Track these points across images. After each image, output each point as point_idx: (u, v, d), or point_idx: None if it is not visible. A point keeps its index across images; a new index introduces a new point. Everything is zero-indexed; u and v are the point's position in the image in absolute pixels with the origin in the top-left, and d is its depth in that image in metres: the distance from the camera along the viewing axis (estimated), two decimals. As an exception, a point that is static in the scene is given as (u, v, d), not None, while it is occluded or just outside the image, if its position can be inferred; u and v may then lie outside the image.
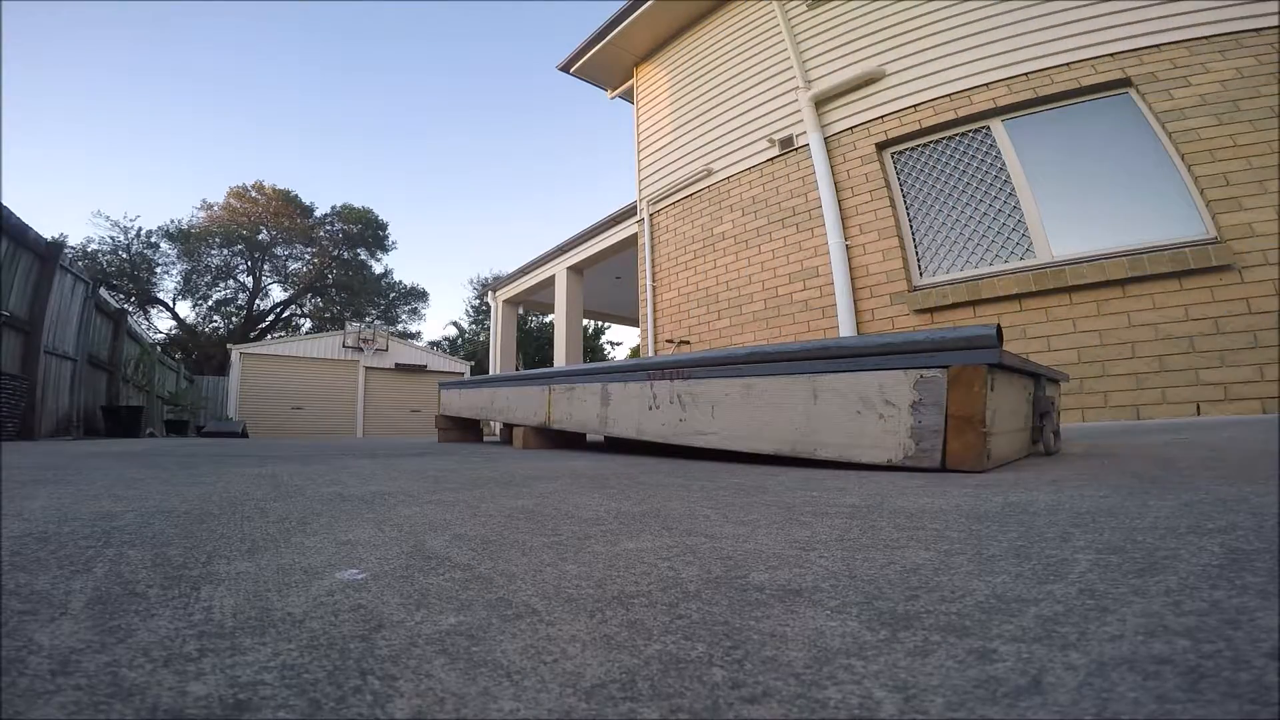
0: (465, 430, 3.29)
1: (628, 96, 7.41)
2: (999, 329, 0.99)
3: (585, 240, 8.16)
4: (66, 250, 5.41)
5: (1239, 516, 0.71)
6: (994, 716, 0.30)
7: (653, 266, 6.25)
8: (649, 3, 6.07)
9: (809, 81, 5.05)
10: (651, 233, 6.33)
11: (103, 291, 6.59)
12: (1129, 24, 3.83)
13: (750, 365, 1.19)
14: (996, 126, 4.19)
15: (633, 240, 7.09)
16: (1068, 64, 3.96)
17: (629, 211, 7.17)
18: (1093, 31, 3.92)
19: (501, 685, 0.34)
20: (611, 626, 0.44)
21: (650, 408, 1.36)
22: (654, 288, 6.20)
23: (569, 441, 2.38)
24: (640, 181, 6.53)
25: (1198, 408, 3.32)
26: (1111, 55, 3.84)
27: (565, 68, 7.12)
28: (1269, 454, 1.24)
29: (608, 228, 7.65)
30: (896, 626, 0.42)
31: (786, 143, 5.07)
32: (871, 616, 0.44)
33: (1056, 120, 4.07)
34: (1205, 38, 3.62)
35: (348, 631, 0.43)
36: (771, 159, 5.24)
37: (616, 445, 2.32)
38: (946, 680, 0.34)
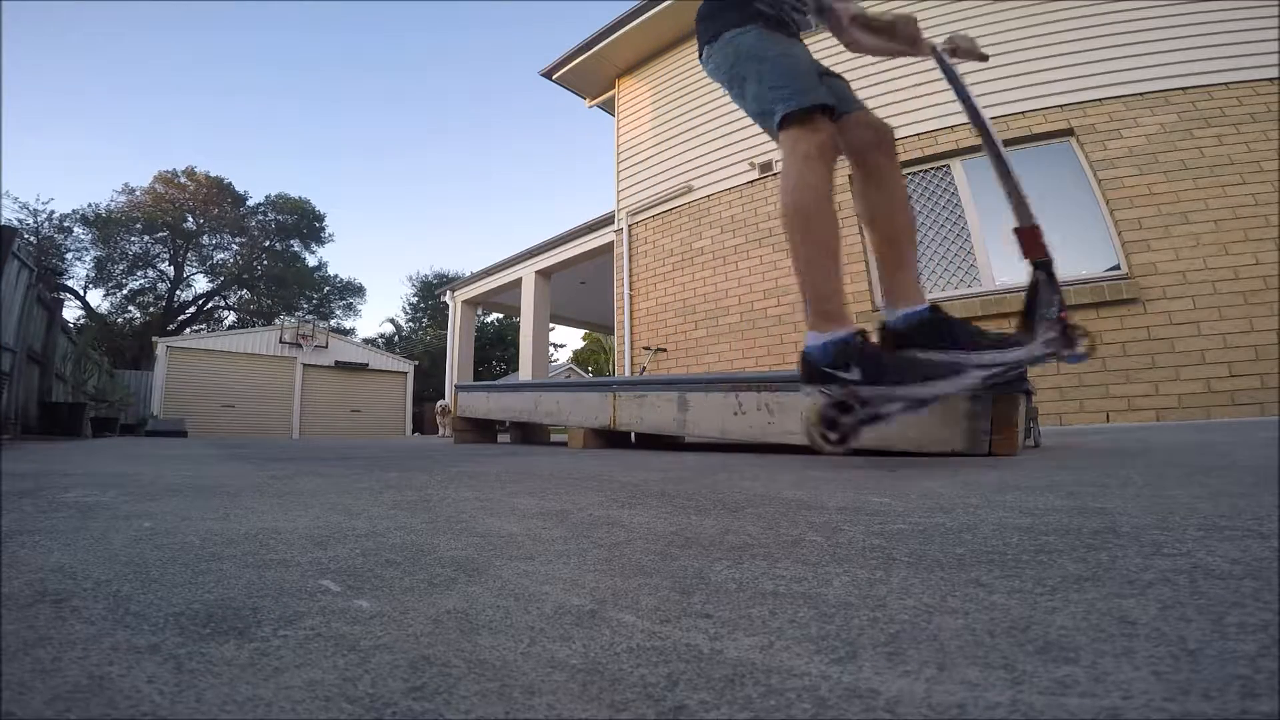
0: (481, 432, 3.42)
1: (606, 107, 7.61)
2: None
3: (557, 246, 8.29)
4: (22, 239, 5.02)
5: (1108, 475, 1.12)
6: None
7: (631, 276, 6.50)
8: (642, 17, 6.23)
9: (789, 111, 5.46)
10: (630, 243, 6.57)
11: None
12: (1078, 77, 4.33)
13: (839, 382, 1.53)
14: (956, 166, 4.69)
15: (606, 248, 7.30)
16: (1023, 112, 4.45)
17: (605, 220, 7.39)
18: (1048, 83, 4.41)
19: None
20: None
21: (735, 413, 1.66)
22: (631, 296, 6.44)
23: (621, 441, 2.60)
24: (620, 192, 6.76)
25: (1107, 416, 3.95)
26: (1061, 107, 4.35)
27: (548, 74, 7.25)
28: (1142, 442, 1.66)
29: (581, 235, 7.82)
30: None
31: (766, 167, 5.46)
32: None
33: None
34: (1139, 94, 4.16)
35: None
36: (751, 181, 5.63)
37: (651, 442, 2.51)
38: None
